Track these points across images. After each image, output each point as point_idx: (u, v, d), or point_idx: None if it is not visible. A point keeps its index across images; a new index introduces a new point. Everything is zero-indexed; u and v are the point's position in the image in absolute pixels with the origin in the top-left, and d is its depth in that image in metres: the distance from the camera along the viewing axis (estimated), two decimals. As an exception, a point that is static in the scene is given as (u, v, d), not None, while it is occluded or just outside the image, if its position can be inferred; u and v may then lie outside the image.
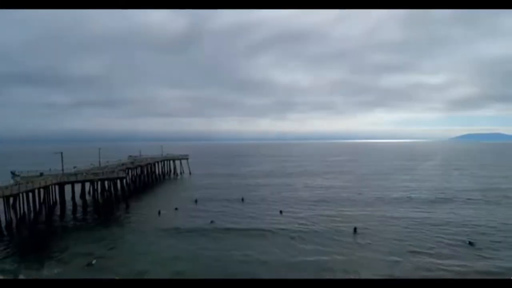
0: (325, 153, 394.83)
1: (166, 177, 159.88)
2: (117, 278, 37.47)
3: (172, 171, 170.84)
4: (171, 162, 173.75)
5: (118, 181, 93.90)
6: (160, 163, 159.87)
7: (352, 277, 41.72)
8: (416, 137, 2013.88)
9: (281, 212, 78.57)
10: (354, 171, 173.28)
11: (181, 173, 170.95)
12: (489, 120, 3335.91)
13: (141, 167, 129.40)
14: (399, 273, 42.47)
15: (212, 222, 70.44)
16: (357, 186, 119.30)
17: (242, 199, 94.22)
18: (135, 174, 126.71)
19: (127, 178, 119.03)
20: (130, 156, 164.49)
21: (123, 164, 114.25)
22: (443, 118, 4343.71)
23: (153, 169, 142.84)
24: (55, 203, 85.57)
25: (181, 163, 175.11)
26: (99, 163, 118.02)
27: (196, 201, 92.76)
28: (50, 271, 44.49)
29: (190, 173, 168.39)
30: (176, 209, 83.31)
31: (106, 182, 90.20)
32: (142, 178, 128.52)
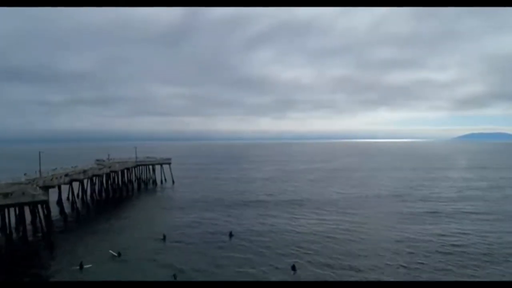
0: (327, 156, 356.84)
1: (140, 189, 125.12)
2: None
3: (150, 180, 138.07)
4: (150, 168, 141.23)
5: (40, 207, 60.77)
6: (131, 170, 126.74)
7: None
8: (418, 137, 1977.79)
9: (294, 268, 45.97)
10: (372, 189, 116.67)
11: (161, 182, 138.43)
12: (492, 120, 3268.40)
13: (98, 177, 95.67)
14: None
15: (174, 276, 42.09)
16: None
17: (230, 234, 61.61)
18: (87, 188, 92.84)
19: (72, 196, 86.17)
20: (98, 160, 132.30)
21: (66, 175, 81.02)
22: (446, 117, 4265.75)
23: (117, 180, 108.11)
24: None
25: (162, 168, 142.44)
26: (40, 173, 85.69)
27: (164, 237, 60.07)
28: None
29: (173, 183, 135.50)
30: (118, 255, 50.53)
31: (17, 209, 57.51)
32: (94, 196, 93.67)
